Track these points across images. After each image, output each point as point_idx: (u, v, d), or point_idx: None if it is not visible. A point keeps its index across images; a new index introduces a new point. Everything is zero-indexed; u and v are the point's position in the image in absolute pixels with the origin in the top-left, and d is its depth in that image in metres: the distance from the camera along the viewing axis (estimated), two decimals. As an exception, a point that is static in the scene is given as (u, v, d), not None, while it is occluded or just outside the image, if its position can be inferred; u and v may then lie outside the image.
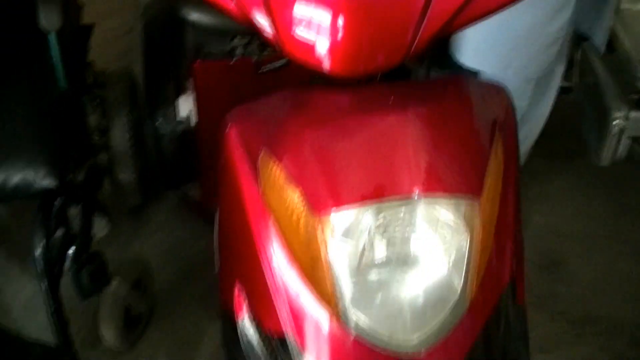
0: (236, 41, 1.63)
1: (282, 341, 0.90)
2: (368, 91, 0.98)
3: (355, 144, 0.91)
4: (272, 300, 0.90)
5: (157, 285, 1.93)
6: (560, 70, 1.87)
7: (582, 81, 2.01)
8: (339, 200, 0.86)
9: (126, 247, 2.05)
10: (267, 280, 0.91)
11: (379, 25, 0.89)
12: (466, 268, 0.89)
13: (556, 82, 1.88)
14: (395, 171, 0.88)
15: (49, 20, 1.39)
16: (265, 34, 0.94)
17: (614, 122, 1.77)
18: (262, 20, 0.93)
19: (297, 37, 0.91)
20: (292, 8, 0.90)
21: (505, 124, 1.00)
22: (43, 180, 1.40)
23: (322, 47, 0.90)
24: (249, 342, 0.95)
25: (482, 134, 0.96)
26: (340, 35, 0.88)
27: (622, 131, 1.78)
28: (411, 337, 0.88)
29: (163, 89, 1.88)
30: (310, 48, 0.91)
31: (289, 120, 0.98)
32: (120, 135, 1.94)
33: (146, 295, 1.85)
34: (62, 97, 1.54)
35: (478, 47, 1.68)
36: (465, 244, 0.89)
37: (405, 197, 0.87)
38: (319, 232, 0.87)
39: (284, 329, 0.90)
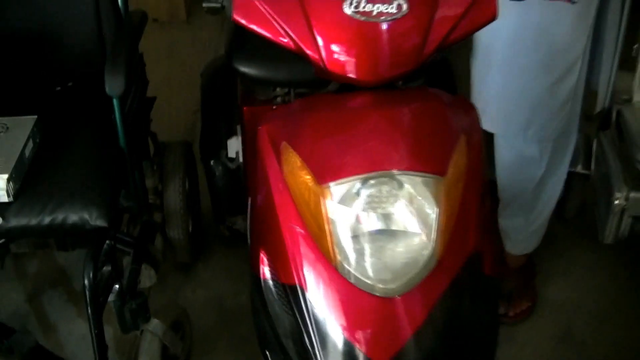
0: (277, 91, 1.89)
1: (293, 288, 1.21)
2: (365, 96, 1.31)
3: (352, 134, 1.23)
4: (287, 259, 1.21)
5: (196, 332, 2.13)
6: (572, 142, 2.05)
7: (597, 168, 2.17)
8: (338, 174, 1.18)
9: (170, 297, 2.26)
10: (285, 243, 1.21)
11: (392, 48, 1.25)
12: (435, 233, 1.17)
13: (568, 154, 2.06)
14: (380, 154, 1.20)
15: (113, 87, 1.65)
16: (312, 58, 1.27)
17: (616, 202, 1.93)
18: (310, 50, 1.26)
19: (335, 58, 1.25)
20: (330, 43, 1.26)
21: (470, 127, 1.30)
22: (95, 220, 1.64)
23: (352, 63, 1.26)
24: (269, 293, 1.26)
25: (449, 131, 1.26)
26: (364, 56, 1.25)
27: (623, 210, 1.93)
28: (390, 286, 1.16)
29: (216, 132, 2.15)
30: (343, 64, 1.26)
31: (302, 118, 1.30)
32: (173, 199, 2.20)
33: (184, 339, 2.05)
34: (120, 155, 1.79)
35: (500, 113, 1.90)
36: (434, 214, 1.17)
37: (386, 173, 1.17)
38: (322, 200, 1.18)
39: (295, 279, 1.20)
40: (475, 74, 1.95)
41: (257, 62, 1.80)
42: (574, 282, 2.32)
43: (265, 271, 1.28)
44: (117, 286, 1.79)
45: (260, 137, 1.31)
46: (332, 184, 1.18)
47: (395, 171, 1.17)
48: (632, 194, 1.90)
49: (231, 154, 2.08)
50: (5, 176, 1.63)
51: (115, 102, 1.71)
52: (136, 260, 1.97)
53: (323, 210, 1.18)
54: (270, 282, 1.27)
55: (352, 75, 1.26)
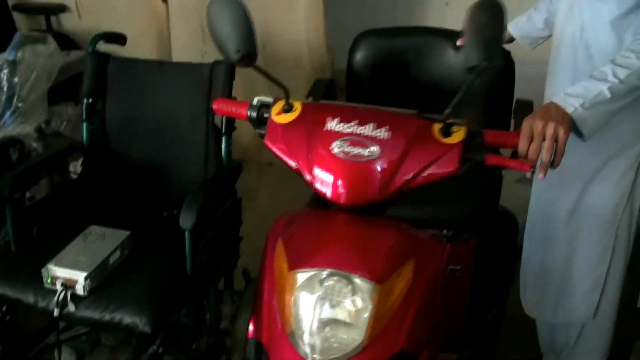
0: None
1: (259, 344, 1.55)
2: (346, 216, 1.63)
3: (324, 240, 1.58)
4: (262, 322, 1.56)
5: None
6: (603, 329, 2.15)
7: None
8: (304, 265, 1.50)
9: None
10: (263, 311, 1.56)
11: (362, 183, 1.58)
12: (366, 328, 1.45)
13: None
14: (338, 258, 1.50)
15: (185, 221, 2.00)
16: (309, 182, 1.62)
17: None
18: (308, 176, 1.62)
19: (322, 184, 1.60)
20: (321, 172, 1.60)
21: (425, 256, 1.59)
22: (143, 326, 1.96)
23: (332, 189, 1.59)
24: (249, 346, 1.59)
25: (398, 253, 1.55)
26: (341, 185, 1.58)
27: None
28: (322, 358, 1.45)
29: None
30: (327, 189, 1.60)
31: (297, 223, 1.66)
32: (240, 330, 2.48)
33: None
34: (185, 279, 2.12)
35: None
36: (367, 313, 1.46)
37: (340, 272, 1.48)
38: (289, 283, 1.50)
39: (263, 339, 1.54)
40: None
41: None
42: None
43: (250, 330, 1.61)
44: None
45: (269, 232, 1.68)
46: (299, 272, 1.49)
47: (346, 272, 1.47)
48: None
49: None
50: (84, 274, 2.00)
51: (187, 234, 2.05)
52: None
53: (288, 292, 1.49)
54: (251, 339, 1.59)
55: (332, 199, 1.59)
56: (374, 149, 1.57)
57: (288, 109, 1.70)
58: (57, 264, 2.03)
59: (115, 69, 2.54)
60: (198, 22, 3.71)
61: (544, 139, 1.57)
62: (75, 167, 2.92)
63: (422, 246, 1.62)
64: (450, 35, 2.47)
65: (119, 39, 2.67)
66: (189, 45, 3.82)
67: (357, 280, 1.46)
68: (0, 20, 4.04)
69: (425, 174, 1.57)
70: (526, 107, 2.28)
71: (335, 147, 1.59)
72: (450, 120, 1.59)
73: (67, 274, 2.01)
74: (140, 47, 3.64)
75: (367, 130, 1.59)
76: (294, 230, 1.63)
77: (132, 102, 2.53)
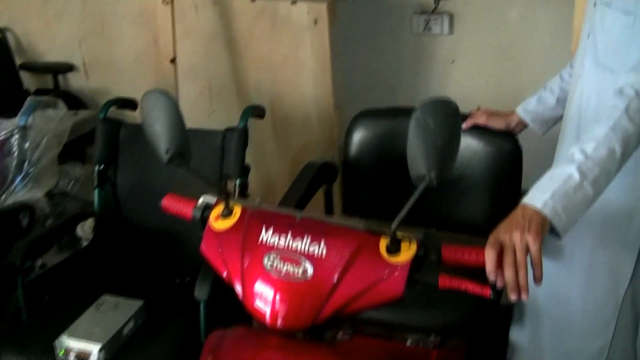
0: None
1: None
2: (279, 341, 1.47)
3: None
4: None
5: None
6: None
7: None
8: None
9: None
10: None
11: (293, 306, 1.41)
12: None
13: None
14: None
15: (199, 292, 2.01)
16: (238, 294, 1.48)
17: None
18: (238, 289, 1.47)
19: (251, 300, 1.44)
20: (250, 287, 1.44)
21: None
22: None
23: (261, 309, 1.42)
24: None
25: None
26: (269, 305, 1.41)
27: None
28: None
29: None
30: (255, 308, 1.43)
31: (228, 342, 1.53)
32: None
33: None
34: (198, 349, 2.09)
35: None
36: None
37: None
38: None
39: None
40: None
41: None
42: None
43: None
44: None
45: (205, 345, 1.57)
46: None
47: None
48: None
49: None
50: (99, 346, 1.99)
51: (201, 304, 2.04)
52: None
53: None
54: None
55: (261, 320, 1.44)
56: (308, 267, 1.41)
57: (227, 213, 1.54)
58: (71, 336, 2.02)
59: (127, 135, 2.56)
60: (206, 82, 3.74)
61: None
62: (83, 228, 2.94)
63: None
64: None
65: (130, 104, 2.70)
66: (197, 106, 3.83)
67: None
68: (8, 79, 4.07)
69: (365, 298, 1.39)
70: None
71: (267, 262, 1.43)
72: (399, 235, 1.41)
73: (81, 346, 2.00)
74: (148, 107, 3.67)
75: (301, 245, 1.43)
76: (225, 350, 1.50)
77: (143, 168, 2.55)
